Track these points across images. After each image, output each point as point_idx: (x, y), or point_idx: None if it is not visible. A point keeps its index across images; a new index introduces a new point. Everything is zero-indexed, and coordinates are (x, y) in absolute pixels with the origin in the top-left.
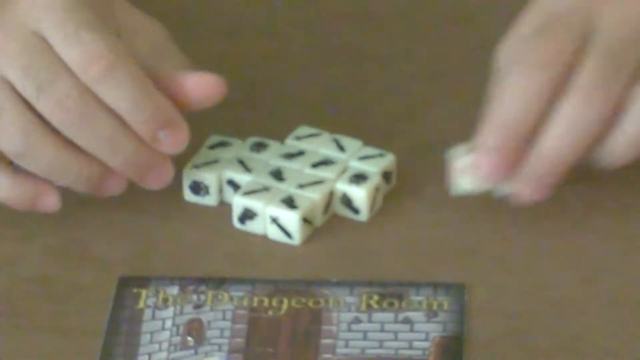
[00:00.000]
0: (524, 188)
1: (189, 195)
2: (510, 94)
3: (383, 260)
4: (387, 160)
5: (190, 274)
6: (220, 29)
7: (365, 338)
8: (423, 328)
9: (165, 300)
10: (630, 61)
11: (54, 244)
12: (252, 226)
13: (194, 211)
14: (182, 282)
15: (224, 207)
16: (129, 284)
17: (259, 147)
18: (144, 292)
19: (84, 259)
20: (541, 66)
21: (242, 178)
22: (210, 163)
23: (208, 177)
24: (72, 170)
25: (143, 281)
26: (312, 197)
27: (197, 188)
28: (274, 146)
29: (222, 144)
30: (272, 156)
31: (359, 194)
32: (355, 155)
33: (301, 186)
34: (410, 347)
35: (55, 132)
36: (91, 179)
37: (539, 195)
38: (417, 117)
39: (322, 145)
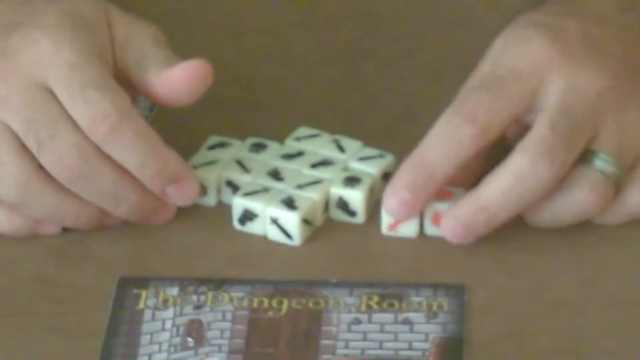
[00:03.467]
0: (450, 228)
1: None
2: (434, 140)
3: (383, 261)
4: (387, 161)
5: (190, 275)
6: (220, 29)
7: (365, 339)
8: (423, 329)
9: (165, 301)
10: (578, 134)
11: (54, 245)
12: (252, 227)
13: (193, 212)
14: (182, 282)
15: (223, 207)
16: (129, 285)
17: (258, 147)
18: (144, 293)
19: (84, 260)
20: (468, 120)
21: (240, 179)
22: (209, 163)
23: (207, 178)
24: (71, 216)
25: (143, 282)
26: (312, 197)
27: None
28: (273, 147)
29: (222, 145)
30: (271, 157)
31: (356, 197)
32: (355, 156)
33: (300, 186)
34: (410, 348)
35: (55, 180)
36: (90, 222)
37: (461, 241)
38: (417, 117)
39: (321, 146)
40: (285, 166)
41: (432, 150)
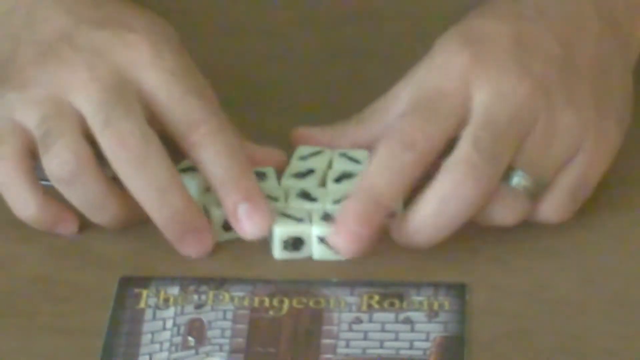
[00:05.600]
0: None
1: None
2: (378, 169)
3: (384, 260)
4: None
5: (191, 274)
6: (220, 29)
7: (366, 338)
8: (424, 328)
9: (166, 300)
10: (502, 147)
11: (55, 244)
12: (298, 253)
13: None
14: (183, 282)
15: None
16: (130, 284)
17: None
18: (144, 292)
19: (85, 259)
20: (407, 146)
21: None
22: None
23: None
24: (111, 212)
25: (144, 281)
26: None
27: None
28: (271, 173)
29: None
30: (278, 181)
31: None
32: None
33: (336, 201)
34: (411, 347)
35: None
36: (123, 223)
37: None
38: None
39: (334, 162)
40: (303, 185)
41: (376, 179)
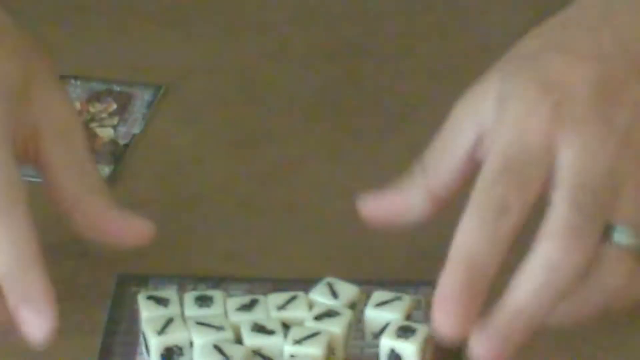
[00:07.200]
0: (486, 345)
1: None
2: (470, 236)
3: (382, 259)
4: (407, 303)
5: (189, 273)
6: (218, 27)
7: (363, 337)
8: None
9: None
10: (601, 206)
11: (52, 243)
12: None
13: (192, 209)
14: (180, 281)
15: (223, 206)
16: (128, 283)
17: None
18: (142, 291)
19: (82, 258)
20: (501, 211)
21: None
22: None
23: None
24: None
25: (142, 280)
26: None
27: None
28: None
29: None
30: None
31: (410, 349)
32: (371, 302)
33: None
34: None
35: None
36: None
37: (499, 356)
38: (415, 115)
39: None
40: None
41: (473, 245)
